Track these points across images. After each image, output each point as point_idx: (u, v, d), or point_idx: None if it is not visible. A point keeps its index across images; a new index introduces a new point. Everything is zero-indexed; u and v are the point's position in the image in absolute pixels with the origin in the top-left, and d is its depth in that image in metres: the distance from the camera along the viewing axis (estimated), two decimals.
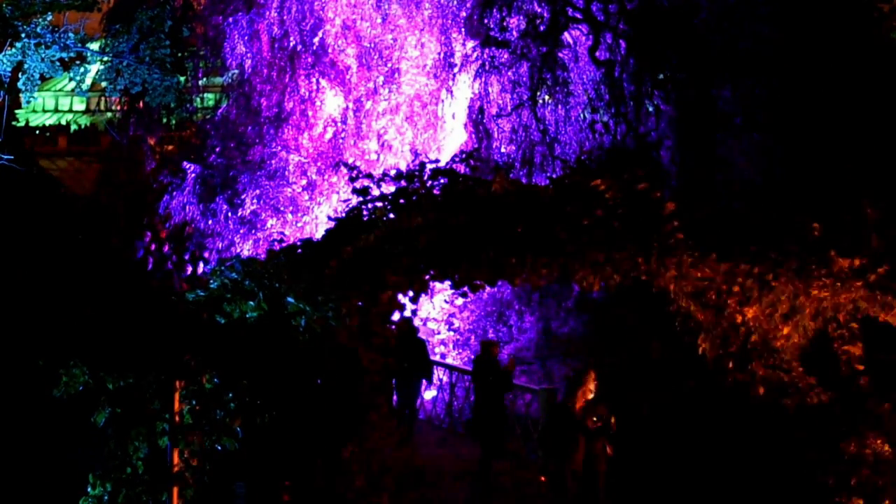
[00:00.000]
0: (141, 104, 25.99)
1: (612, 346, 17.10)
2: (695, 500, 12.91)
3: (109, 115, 28.64)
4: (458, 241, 11.01)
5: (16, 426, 15.44)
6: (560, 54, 20.46)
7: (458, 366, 19.81)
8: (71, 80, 26.34)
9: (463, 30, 21.54)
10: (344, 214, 11.82)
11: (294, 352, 10.51)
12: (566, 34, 20.59)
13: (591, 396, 12.68)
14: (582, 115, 20.37)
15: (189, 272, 24.00)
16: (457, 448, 17.09)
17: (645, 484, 13.67)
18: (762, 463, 12.13)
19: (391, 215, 11.46)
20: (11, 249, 21.14)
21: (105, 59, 25.14)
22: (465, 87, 21.58)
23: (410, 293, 11.21)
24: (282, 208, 22.70)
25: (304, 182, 22.78)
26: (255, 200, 22.80)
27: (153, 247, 24.78)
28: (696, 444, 13.06)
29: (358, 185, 11.88)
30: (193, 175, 23.57)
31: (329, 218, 13.03)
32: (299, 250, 11.46)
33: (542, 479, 13.80)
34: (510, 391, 15.90)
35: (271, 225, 22.68)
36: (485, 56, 20.84)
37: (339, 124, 23.10)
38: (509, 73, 20.66)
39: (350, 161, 20.32)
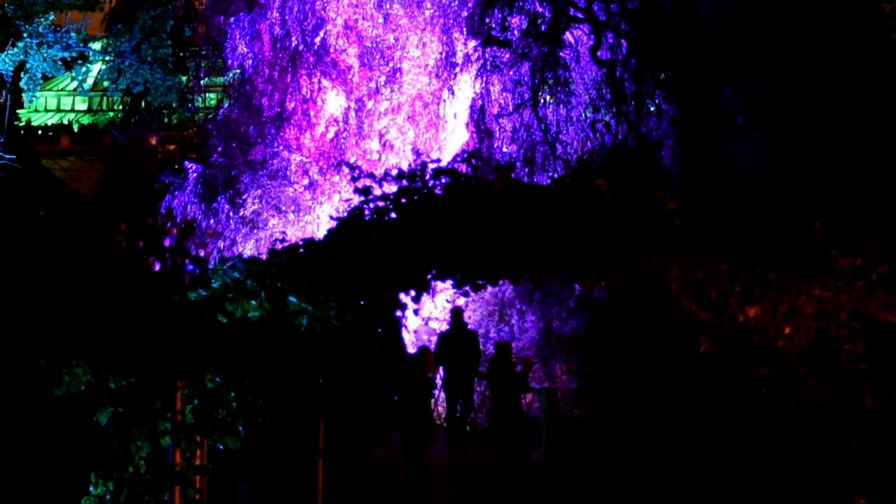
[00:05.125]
0: (143, 104, 26.03)
1: (613, 346, 17.10)
2: (697, 499, 12.92)
3: (111, 114, 28.64)
4: (460, 241, 11.03)
5: (18, 425, 15.45)
6: (561, 54, 20.44)
7: None
8: (73, 79, 26.42)
9: (464, 29, 21.51)
10: (346, 214, 11.85)
11: (296, 351, 10.53)
12: (568, 34, 20.57)
13: None
14: (583, 115, 20.35)
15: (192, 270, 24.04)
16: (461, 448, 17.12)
17: (647, 483, 13.68)
18: (764, 462, 12.14)
19: (393, 215, 11.49)
20: (13, 248, 21.14)
21: (107, 58, 25.19)
22: (466, 87, 21.56)
23: (412, 292, 11.23)
24: (283, 208, 22.69)
25: (305, 182, 22.77)
26: (256, 200, 22.79)
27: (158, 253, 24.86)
28: (698, 443, 13.06)
29: (360, 184, 11.92)
30: (195, 175, 23.56)
31: (331, 217, 13.06)
32: (301, 250, 11.49)
33: None
34: (526, 393, 15.93)
35: (273, 224, 22.67)
36: (486, 56, 20.81)
37: (340, 124, 23.08)
38: (511, 73, 20.64)
39: (352, 161, 20.33)
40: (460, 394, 17.45)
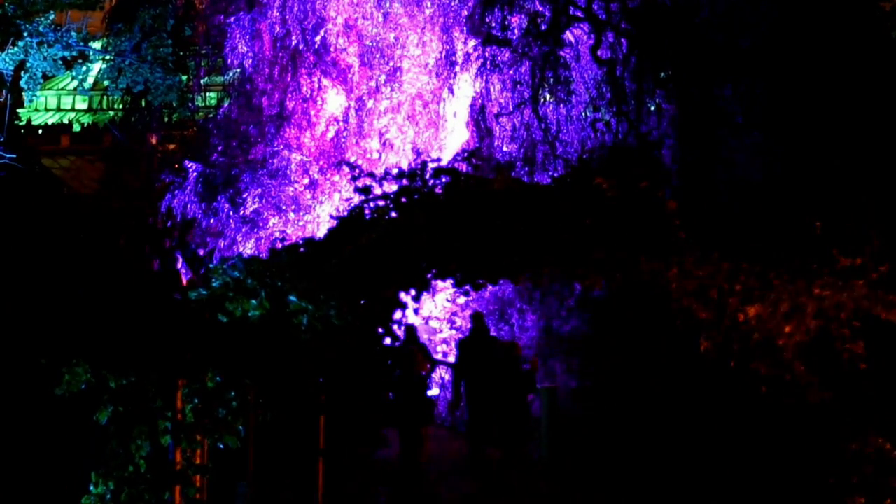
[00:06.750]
0: (143, 103, 26.02)
1: (613, 346, 17.11)
2: (697, 499, 12.92)
3: (112, 114, 28.62)
4: (460, 240, 11.03)
5: (18, 425, 15.47)
6: (561, 53, 20.45)
7: None
8: (73, 78, 26.42)
9: (464, 28, 21.53)
10: (346, 213, 11.84)
11: (296, 350, 10.53)
12: (568, 33, 20.58)
13: None
14: (583, 114, 20.36)
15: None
16: (459, 446, 17.11)
17: (647, 482, 13.68)
18: (764, 461, 12.14)
19: (393, 214, 11.49)
20: (14, 248, 21.17)
21: (107, 57, 25.19)
22: (466, 86, 21.57)
23: (412, 292, 11.24)
24: (284, 207, 22.70)
25: (306, 181, 22.79)
26: (256, 199, 22.80)
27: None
28: (699, 443, 13.07)
29: (360, 183, 11.91)
30: (195, 174, 23.57)
31: (331, 217, 13.05)
32: (301, 249, 11.48)
33: None
34: (533, 393, 15.89)
35: (273, 224, 22.68)
36: (486, 55, 20.82)
37: (340, 123, 23.09)
38: (511, 72, 20.65)
39: (352, 160, 20.34)
40: (485, 403, 16.63)
